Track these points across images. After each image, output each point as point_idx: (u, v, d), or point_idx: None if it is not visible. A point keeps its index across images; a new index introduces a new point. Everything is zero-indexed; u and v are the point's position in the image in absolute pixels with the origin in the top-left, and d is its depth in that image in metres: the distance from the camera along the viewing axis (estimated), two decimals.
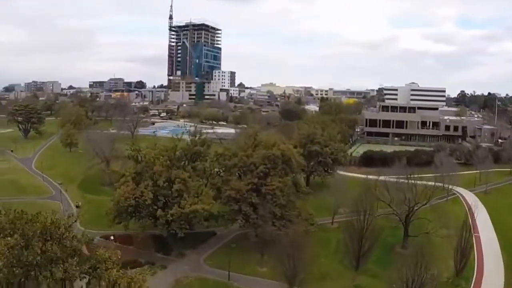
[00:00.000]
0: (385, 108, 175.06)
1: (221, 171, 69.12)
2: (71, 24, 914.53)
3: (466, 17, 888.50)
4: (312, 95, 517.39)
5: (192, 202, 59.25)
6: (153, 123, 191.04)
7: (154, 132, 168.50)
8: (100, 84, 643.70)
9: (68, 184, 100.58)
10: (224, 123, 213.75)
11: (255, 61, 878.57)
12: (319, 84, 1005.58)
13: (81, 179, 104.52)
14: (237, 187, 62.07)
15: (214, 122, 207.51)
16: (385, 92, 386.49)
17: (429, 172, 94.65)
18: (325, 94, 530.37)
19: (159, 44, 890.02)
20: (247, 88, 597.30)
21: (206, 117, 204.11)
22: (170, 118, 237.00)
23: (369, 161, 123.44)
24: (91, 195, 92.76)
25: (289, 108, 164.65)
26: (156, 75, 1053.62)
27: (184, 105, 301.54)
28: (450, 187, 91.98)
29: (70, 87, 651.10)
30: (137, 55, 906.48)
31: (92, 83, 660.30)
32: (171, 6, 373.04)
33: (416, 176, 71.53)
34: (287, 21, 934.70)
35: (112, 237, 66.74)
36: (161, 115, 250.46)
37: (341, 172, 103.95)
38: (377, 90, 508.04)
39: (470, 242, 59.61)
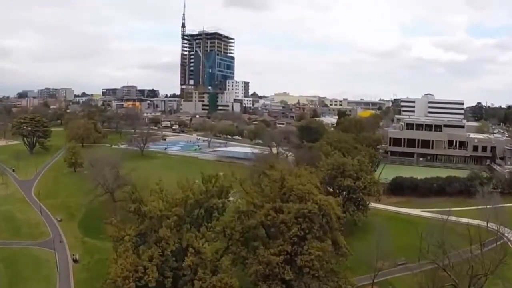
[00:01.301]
0: (409, 126, 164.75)
1: (244, 232, 54.41)
2: (86, 30, 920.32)
3: (477, 25, 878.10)
4: (326, 105, 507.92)
5: (210, 285, 45.90)
6: (164, 138, 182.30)
7: (165, 148, 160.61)
8: (113, 91, 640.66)
9: (69, 220, 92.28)
10: (239, 138, 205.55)
11: (267, 68, 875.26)
12: (330, 91, 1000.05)
13: (83, 213, 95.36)
14: (266, 259, 49.26)
15: (229, 137, 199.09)
16: (401, 104, 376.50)
17: (467, 204, 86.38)
18: (340, 104, 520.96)
19: (173, 51, 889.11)
20: (260, 97, 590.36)
21: (220, 131, 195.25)
22: (183, 131, 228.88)
23: (398, 188, 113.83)
24: (92, 238, 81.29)
25: (307, 124, 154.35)
26: (170, 82, 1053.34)
27: (197, 116, 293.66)
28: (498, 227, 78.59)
29: (83, 94, 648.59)
30: (151, 62, 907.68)
31: (105, 90, 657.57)
32: (184, 14, 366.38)
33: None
34: (300, 28, 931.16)
35: None
36: (173, 127, 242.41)
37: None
38: (392, 101, 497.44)
39: None
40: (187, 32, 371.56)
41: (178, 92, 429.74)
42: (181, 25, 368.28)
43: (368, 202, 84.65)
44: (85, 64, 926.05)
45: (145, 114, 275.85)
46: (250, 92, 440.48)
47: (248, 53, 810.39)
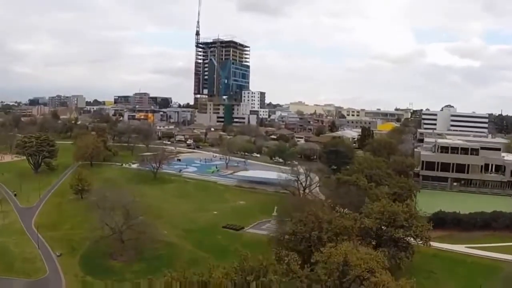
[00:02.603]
0: (444, 149, 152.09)
1: None
2: (103, 35, 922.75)
3: (494, 32, 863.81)
4: (343, 115, 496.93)
5: None
6: (179, 159, 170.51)
7: (179, 170, 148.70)
8: (125, 98, 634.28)
9: (70, 255, 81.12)
10: (258, 155, 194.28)
11: (280, 73, 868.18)
12: (342, 97, 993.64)
13: (87, 247, 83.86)
14: None
15: (247, 154, 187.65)
16: (423, 117, 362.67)
17: None
18: (357, 115, 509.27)
19: (186, 56, 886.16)
20: (274, 106, 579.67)
21: (238, 148, 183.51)
22: (198, 147, 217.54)
23: (440, 223, 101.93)
24: (94, 277, 70.75)
25: (335, 146, 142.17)
26: (183, 87, 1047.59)
27: (212, 129, 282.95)
28: None
29: (95, 102, 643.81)
30: (165, 67, 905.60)
31: (117, 97, 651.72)
32: (198, 22, 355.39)
33: None
34: (314, 34, 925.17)
35: None
36: (187, 141, 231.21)
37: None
38: (411, 112, 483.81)
39: None
40: (201, 40, 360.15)
41: (191, 101, 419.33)
42: (195, 32, 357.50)
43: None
44: (99, 68, 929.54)
45: (158, 127, 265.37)
46: (265, 100, 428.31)
47: (261, 59, 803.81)
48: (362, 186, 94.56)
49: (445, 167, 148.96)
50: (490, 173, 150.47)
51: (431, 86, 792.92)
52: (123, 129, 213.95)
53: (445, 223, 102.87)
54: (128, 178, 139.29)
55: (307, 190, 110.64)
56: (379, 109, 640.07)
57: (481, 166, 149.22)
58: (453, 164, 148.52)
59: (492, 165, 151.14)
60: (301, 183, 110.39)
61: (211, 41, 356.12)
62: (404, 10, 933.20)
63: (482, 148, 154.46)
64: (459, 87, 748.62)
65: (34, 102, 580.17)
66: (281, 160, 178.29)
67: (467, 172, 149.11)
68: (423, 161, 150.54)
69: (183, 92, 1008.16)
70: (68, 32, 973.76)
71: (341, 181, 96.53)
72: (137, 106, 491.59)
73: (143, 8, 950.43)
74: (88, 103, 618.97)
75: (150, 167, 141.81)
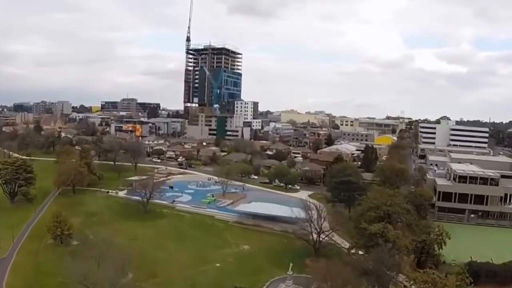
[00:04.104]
0: (462, 179, 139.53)
1: None
2: (95, 36, 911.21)
3: (483, 38, 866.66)
4: (337, 125, 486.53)
5: None
6: (171, 186, 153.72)
7: (173, 201, 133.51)
8: (113, 104, 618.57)
9: None
10: (255, 177, 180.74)
11: (270, 76, 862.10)
12: (332, 100, 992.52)
13: None
14: None
15: (244, 176, 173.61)
16: (421, 130, 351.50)
17: None
18: (351, 125, 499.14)
19: (178, 57, 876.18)
20: (266, 114, 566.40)
21: (235, 171, 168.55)
22: (190, 166, 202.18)
23: (475, 275, 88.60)
24: None
25: (345, 177, 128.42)
26: (173, 90, 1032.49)
27: (204, 143, 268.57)
28: None
29: (82, 108, 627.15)
30: (156, 68, 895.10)
31: (104, 103, 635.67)
32: (189, 28, 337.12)
33: None
34: (306, 37, 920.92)
35: None
36: (178, 159, 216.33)
37: None
38: (406, 123, 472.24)
39: None
40: (192, 46, 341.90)
41: (181, 105, 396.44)
42: (185, 38, 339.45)
43: None
44: (90, 70, 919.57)
45: (147, 142, 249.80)
46: (258, 111, 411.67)
47: (252, 61, 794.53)
48: (391, 238, 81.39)
49: (462, 197, 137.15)
50: (509, 205, 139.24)
51: (421, 91, 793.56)
52: (109, 147, 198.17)
53: (479, 276, 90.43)
54: (115, 211, 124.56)
55: (322, 235, 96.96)
56: (371, 118, 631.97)
57: (501, 197, 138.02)
58: (471, 195, 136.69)
59: (510, 195, 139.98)
60: (314, 227, 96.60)
61: (202, 47, 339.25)
62: (396, 15, 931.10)
63: (503, 177, 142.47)
64: (448, 93, 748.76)
65: (18, 107, 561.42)
66: (281, 184, 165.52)
67: (486, 204, 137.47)
68: (439, 192, 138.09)
69: (172, 94, 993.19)
70: (60, 33, 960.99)
71: (368, 233, 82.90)
72: (124, 114, 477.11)
73: (137, 9, 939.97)
74: (74, 109, 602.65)
75: (140, 195, 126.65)
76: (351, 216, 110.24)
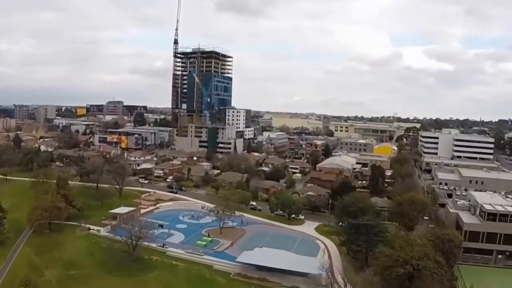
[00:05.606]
0: (491, 217, 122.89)
1: None
2: (82, 35, 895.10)
3: (474, 36, 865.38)
4: (331, 132, 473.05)
5: None
6: (160, 225, 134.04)
7: (163, 245, 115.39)
8: (98, 107, 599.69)
9: None
10: (254, 204, 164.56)
11: (257, 74, 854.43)
12: (318, 98, 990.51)
13: None
14: None
15: (241, 204, 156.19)
16: (422, 139, 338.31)
17: None
18: (346, 130, 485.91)
19: (165, 55, 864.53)
20: (256, 115, 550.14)
21: (232, 198, 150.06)
22: (181, 189, 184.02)
23: None
24: None
25: (362, 219, 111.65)
26: (160, 88, 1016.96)
27: (195, 157, 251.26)
28: None
29: (66, 111, 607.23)
30: (144, 67, 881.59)
31: (89, 106, 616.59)
32: (176, 30, 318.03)
33: None
34: (293, 36, 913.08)
35: None
36: (167, 179, 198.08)
37: None
38: (404, 130, 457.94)
39: None
40: (180, 49, 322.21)
41: (168, 103, 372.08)
42: (173, 41, 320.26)
43: None
44: (76, 69, 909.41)
45: (132, 159, 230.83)
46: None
47: (239, 60, 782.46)
48: None
49: (491, 237, 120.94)
50: None
51: (408, 90, 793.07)
52: (91, 167, 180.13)
53: None
54: (97, 259, 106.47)
55: None
56: (366, 123, 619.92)
57: None
58: (501, 234, 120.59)
59: None
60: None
61: (191, 51, 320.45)
62: (384, 13, 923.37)
63: None
64: (437, 91, 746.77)
65: (1, 111, 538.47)
66: (284, 214, 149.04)
67: None
68: (466, 231, 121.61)
69: (159, 92, 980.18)
70: (46, 32, 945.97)
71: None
72: (110, 119, 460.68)
73: (124, 9, 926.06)
74: (59, 111, 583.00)
75: (127, 235, 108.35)
76: (375, 269, 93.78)
